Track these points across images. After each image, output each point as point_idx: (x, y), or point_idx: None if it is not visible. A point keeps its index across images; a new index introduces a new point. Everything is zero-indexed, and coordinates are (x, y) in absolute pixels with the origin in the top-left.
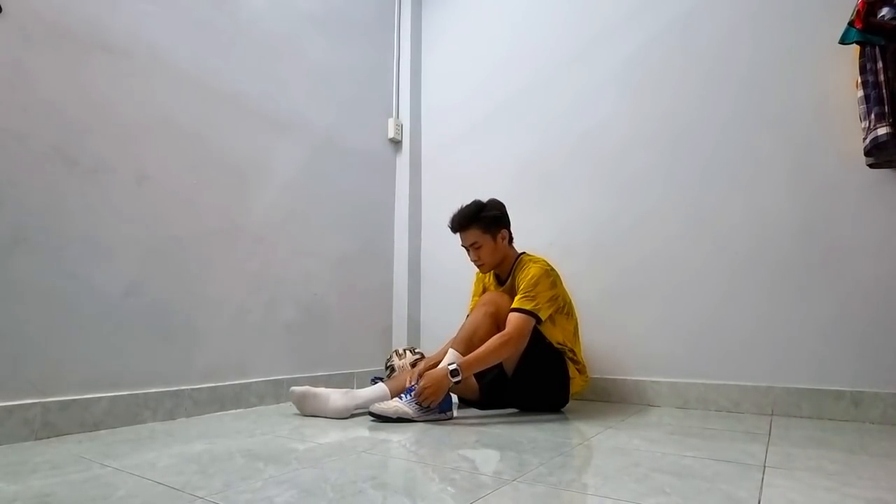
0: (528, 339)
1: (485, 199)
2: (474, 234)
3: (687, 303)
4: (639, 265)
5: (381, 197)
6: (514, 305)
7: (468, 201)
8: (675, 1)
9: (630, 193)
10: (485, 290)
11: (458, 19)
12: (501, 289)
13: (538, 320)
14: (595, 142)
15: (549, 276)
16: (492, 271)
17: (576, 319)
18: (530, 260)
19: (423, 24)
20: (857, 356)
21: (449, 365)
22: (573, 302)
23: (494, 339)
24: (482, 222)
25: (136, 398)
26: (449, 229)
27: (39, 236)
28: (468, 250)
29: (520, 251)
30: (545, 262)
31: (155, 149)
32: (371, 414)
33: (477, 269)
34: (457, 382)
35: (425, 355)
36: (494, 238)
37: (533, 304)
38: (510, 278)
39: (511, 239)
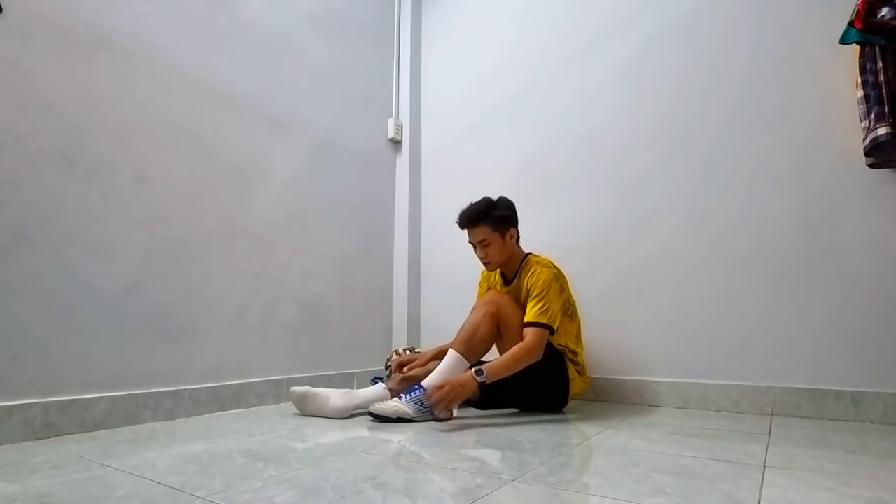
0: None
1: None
2: (483, 232)
3: (687, 302)
4: (638, 265)
5: (381, 197)
6: (530, 319)
7: (469, 200)
8: (674, 1)
9: (630, 193)
10: (490, 290)
11: (457, 19)
12: (506, 289)
13: (552, 331)
14: (595, 142)
15: (558, 281)
16: (498, 270)
17: (579, 321)
18: (537, 262)
19: (423, 24)
20: (857, 356)
21: (472, 369)
22: (577, 303)
23: (518, 349)
24: (492, 220)
25: (136, 398)
26: (457, 225)
27: (39, 236)
28: (475, 247)
29: (526, 251)
30: (552, 264)
31: (155, 149)
32: (371, 414)
33: (482, 267)
34: (481, 385)
35: None
36: (503, 236)
37: (548, 317)
38: (516, 278)
39: (518, 238)
